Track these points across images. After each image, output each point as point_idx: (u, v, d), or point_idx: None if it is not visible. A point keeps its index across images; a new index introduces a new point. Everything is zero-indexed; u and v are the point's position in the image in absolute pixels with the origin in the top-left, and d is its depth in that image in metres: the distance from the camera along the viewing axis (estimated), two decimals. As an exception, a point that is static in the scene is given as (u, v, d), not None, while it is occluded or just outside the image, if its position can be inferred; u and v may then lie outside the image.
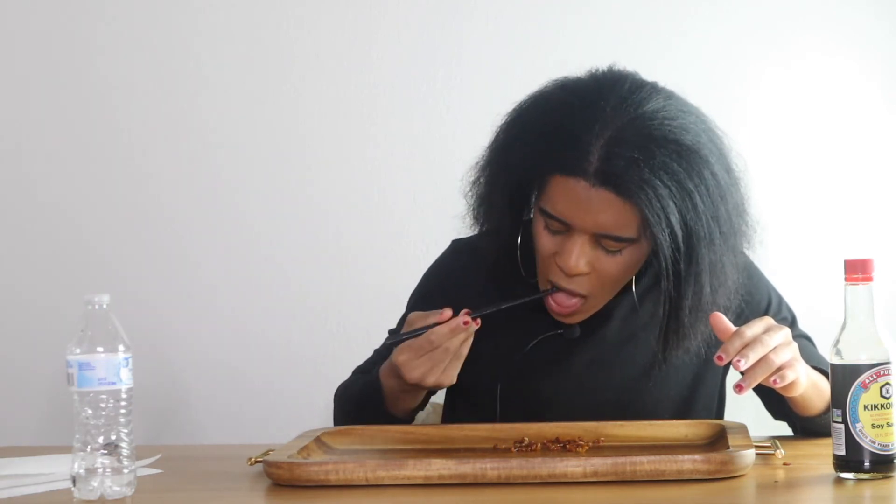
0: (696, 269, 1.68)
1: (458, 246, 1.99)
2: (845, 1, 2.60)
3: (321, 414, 2.62)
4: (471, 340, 1.71)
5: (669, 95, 1.72)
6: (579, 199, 1.66)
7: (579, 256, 1.70)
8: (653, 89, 1.71)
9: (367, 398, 1.84)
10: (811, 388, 1.69)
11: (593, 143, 1.64)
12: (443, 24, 2.65)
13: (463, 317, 1.69)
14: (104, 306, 1.52)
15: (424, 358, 1.70)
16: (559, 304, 1.76)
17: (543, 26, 2.63)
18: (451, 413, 2.00)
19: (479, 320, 1.71)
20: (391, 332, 1.91)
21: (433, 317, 1.71)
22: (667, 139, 1.65)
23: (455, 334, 1.69)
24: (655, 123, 1.66)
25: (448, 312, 1.70)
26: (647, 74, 1.77)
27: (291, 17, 2.68)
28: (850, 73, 2.61)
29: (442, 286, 1.95)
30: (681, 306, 1.71)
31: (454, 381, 1.72)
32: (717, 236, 1.68)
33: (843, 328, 1.50)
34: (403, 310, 1.98)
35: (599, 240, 1.70)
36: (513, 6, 2.64)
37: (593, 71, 1.77)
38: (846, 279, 1.50)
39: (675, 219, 1.64)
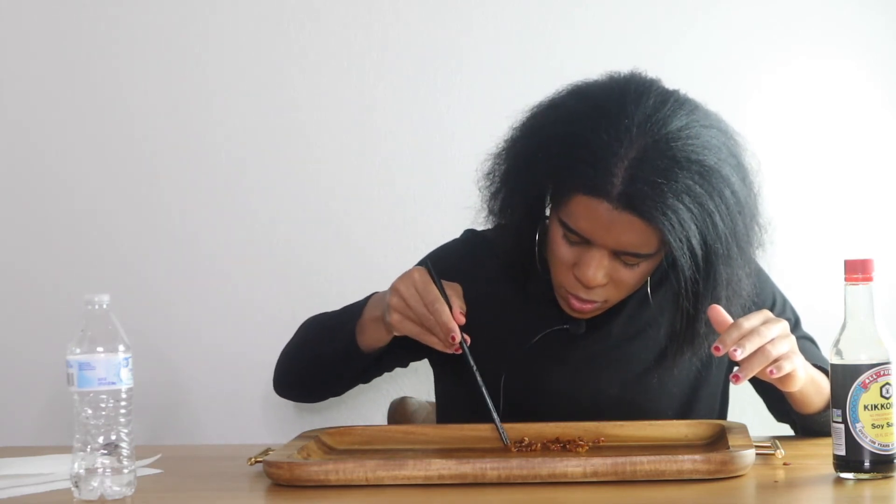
0: (714, 284, 1.70)
1: (470, 236, 1.99)
2: (846, 2, 2.60)
3: (321, 414, 2.63)
4: (433, 341, 1.72)
5: (693, 109, 1.70)
6: (601, 220, 1.66)
7: (598, 269, 1.71)
8: (676, 103, 1.69)
9: (345, 314, 1.87)
10: (810, 385, 1.69)
11: (617, 165, 1.63)
12: (443, 23, 2.65)
13: (456, 339, 1.70)
14: (104, 306, 1.52)
15: (411, 312, 1.71)
16: (575, 307, 1.78)
17: (544, 27, 2.63)
18: (450, 404, 2.00)
19: (458, 346, 1.72)
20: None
21: (457, 305, 1.71)
22: (690, 160, 1.64)
23: (439, 329, 1.70)
24: (679, 144, 1.65)
25: (462, 320, 1.71)
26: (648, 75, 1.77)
27: (294, 18, 2.67)
28: (850, 74, 2.60)
29: (448, 271, 1.93)
30: (697, 319, 1.73)
31: (398, 330, 1.74)
32: (734, 252, 1.69)
33: (843, 328, 1.50)
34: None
35: (619, 255, 1.71)
36: (514, 6, 2.63)
37: (615, 76, 1.75)
38: (846, 279, 1.50)
39: (696, 241, 1.65)
